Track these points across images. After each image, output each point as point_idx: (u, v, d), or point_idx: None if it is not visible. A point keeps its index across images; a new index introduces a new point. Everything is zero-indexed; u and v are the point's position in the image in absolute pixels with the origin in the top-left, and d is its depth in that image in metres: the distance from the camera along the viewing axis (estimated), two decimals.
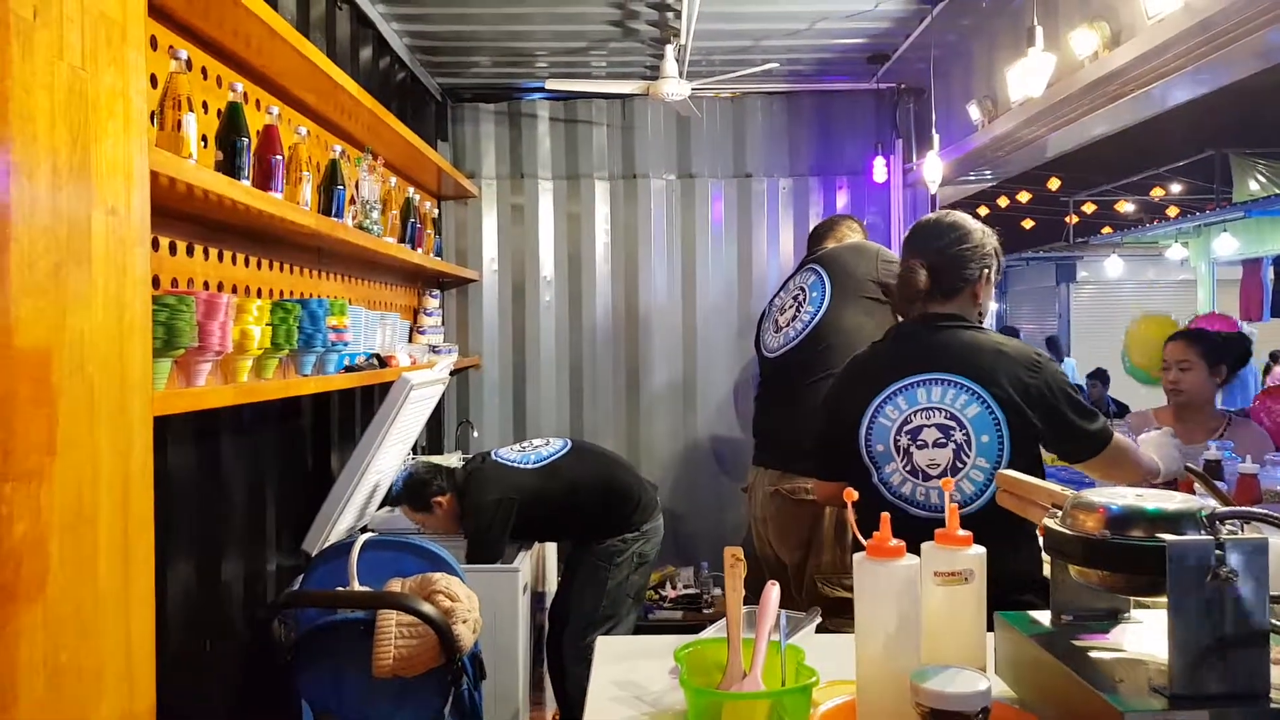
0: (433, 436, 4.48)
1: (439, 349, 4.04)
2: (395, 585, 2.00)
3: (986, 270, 1.99)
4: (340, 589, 2.02)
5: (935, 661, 1.09)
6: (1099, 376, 9.08)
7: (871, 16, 3.48)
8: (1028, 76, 2.47)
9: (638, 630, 3.46)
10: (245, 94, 2.04)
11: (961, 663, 1.10)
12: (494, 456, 3.19)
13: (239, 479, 2.32)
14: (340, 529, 2.78)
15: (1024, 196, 9.35)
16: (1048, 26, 2.52)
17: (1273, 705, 0.97)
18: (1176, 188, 8.90)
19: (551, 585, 3.67)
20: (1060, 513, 1.16)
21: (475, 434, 4.45)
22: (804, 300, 3.04)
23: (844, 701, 1.13)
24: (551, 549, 3.76)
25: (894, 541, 1.09)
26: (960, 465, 1.86)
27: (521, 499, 3.00)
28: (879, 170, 4.22)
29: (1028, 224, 10.33)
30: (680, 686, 1.17)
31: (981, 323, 2.04)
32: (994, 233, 2.05)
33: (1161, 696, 1.00)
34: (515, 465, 3.13)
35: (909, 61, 3.91)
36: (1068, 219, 10.39)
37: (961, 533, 1.17)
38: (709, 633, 1.44)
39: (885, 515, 1.11)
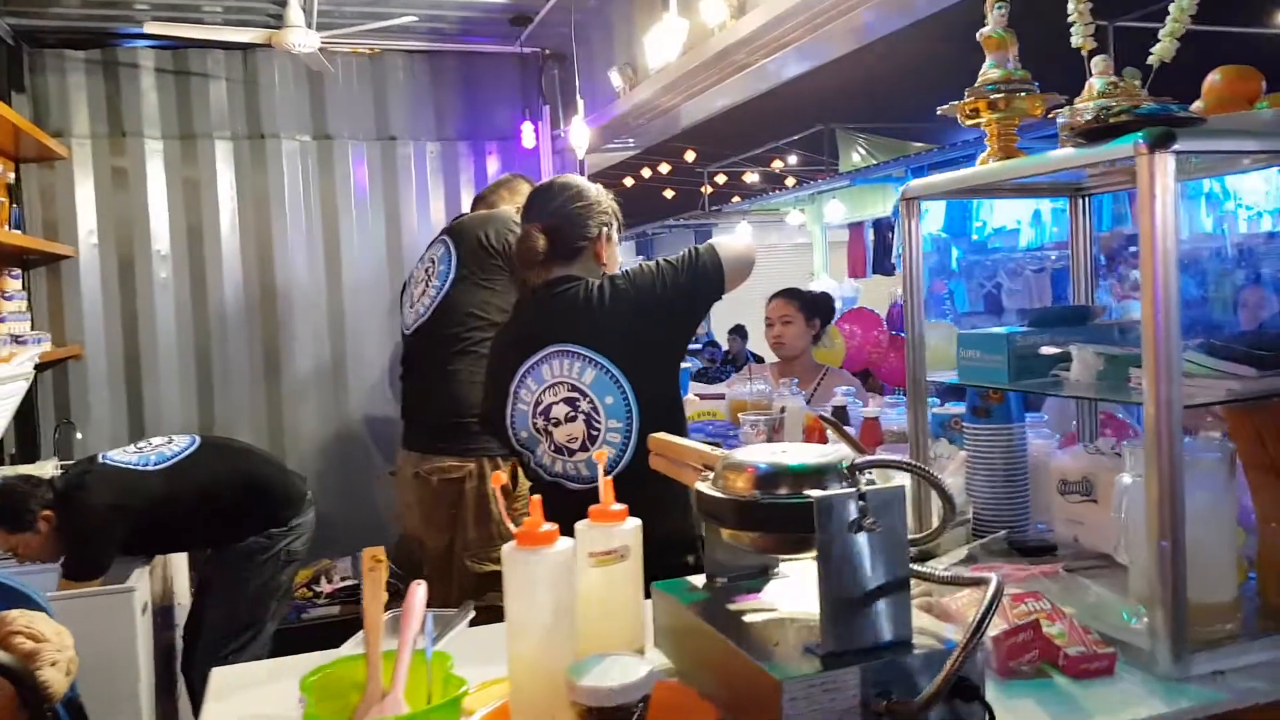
0: (25, 441, 3.77)
1: (24, 338, 3.39)
2: None
3: (606, 229, 1.94)
4: None
5: (595, 647, 1.00)
6: (738, 332, 9.85)
7: None
8: (663, 42, 2.49)
9: (289, 633, 3.14)
10: None
11: (622, 644, 1.04)
12: (104, 460, 2.71)
13: None
14: None
15: (664, 168, 9.90)
16: None
17: (916, 651, 0.98)
18: (793, 159, 9.85)
19: (184, 598, 3.23)
20: (712, 475, 1.12)
21: (79, 435, 3.80)
22: (433, 274, 2.88)
23: (496, 707, 1.02)
24: (180, 556, 3.30)
25: (545, 526, 0.99)
26: (595, 433, 1.82)
27: (140, 507, 2.60)
28: (527, 136, 4.15)
29: (669, 194, 10.96)
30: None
31: None
32: (612, 194, 2.00)
33: (815, 657, 0.98)
34: (132, 468, 2.68)
35: (552, 26, 3.85)
36: (703, 189, 11.18)
37: (616, 506, 1.09)
38: (348, 647, 1.26)
39: (536, 499, 1.00)
